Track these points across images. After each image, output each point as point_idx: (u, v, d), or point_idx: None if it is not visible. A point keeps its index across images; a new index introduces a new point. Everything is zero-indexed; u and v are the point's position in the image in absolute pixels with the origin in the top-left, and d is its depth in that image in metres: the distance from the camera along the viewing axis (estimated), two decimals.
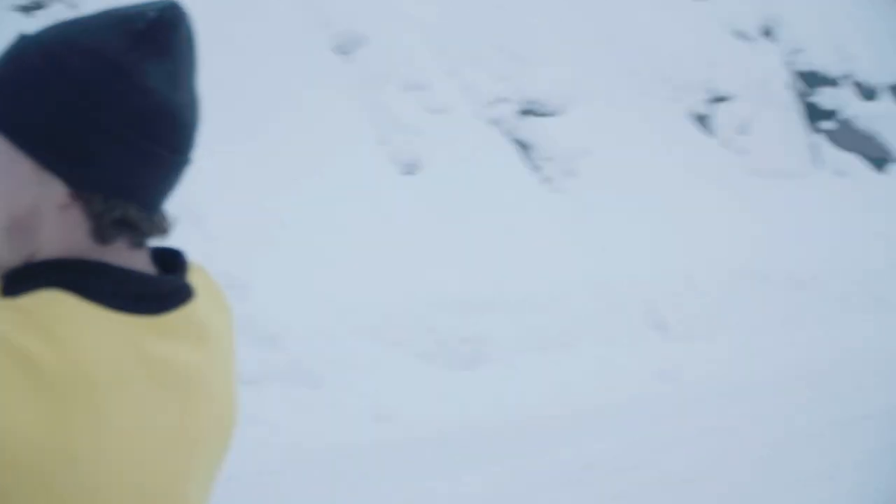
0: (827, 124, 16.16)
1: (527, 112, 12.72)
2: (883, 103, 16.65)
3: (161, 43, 1.41)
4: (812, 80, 16.36)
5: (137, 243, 1.46)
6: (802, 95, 16.15)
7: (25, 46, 1.41)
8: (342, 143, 10.81)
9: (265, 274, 9.28)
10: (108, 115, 1.38)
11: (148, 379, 1.42)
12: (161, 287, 1.47)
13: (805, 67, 16.35)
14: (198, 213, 9.28)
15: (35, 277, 1.41)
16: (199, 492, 1.54)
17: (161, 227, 1.47)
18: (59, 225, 1.42)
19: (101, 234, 1.42)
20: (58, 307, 1.37)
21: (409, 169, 11.05)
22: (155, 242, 1.52)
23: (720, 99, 14.98)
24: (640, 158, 12.85)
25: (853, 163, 15.71)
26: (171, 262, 1.53)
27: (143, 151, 1.40)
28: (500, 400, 8.69)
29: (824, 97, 16.34)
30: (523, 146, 12.38)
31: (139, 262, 1.47)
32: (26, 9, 8.31)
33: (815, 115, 16.18)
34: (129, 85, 1.39)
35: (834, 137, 16.06)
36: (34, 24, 7.84)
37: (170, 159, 1.43)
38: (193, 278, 1.56)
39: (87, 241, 1.43)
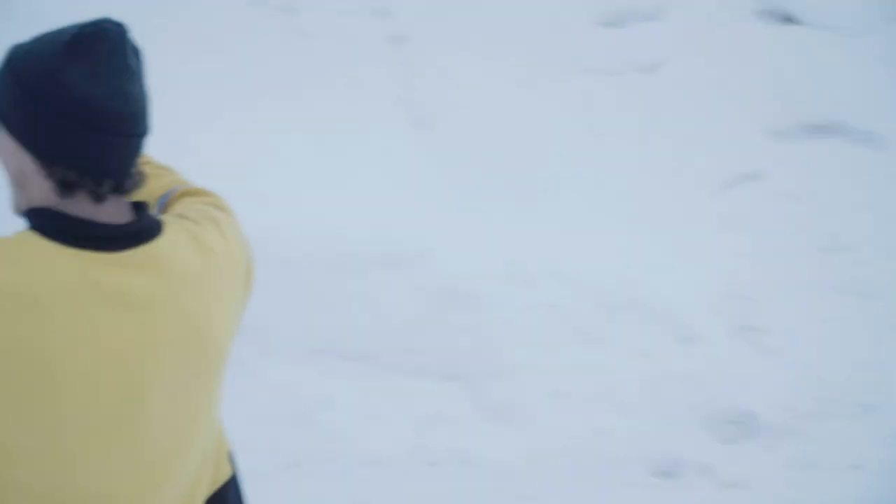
0: None
1: None
2: None
3: (82, 51, 1.94)
4: None
5: (96, 198, 1.98)
6: None
7: (7, 56, 1.99)
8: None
9: None
10: (42, 107, 1.93)
11: (101, 301, 1.94)
12: (115, 232, 1.99)
13: None
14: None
15: (26, 220, 1.98)
16: (170, 401, 2.03)
17: (120, 189, 2.00)
18: (38, 184, 1.98)
19: (59, 191, 1.97)
20: (23, 242, 1.93)
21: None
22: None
23: None
24: None
25: None
26: (143, 215, 2.05)
27: (72, 132, 1.93)
28: None
29: None
30: None
31: (105, 213, 1.99)
32: (609, 24, 8.54)
33: None
34: (56, 84, 1.92)
35: None
36: (615, 37, 8.18)
37: (95, 138, 1.95)
38: (170, 237, 2.05)
39: (54, 196, 1.98)
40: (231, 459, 2.38)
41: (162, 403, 2.02)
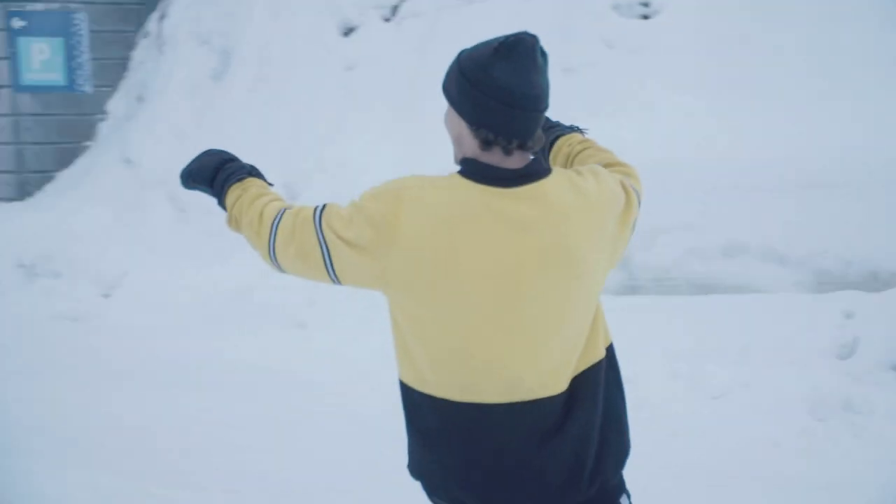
0: None
1: None
2: None
3: (505, 52, 2.88)
4: None
5: (506, 152, 2.92)
6: None
7: (456, 57, 2.98)
8: None
9: None
10: (475, 90, 2.89)
11: (496, 220, 2.88)
12: (512, 174, 2.92)
13: None
14: None
15: (460, 166, 2.95)
16: (541, 296, 2.91)
17: (523, 147, 2.92)
18: (469, 142, 2.94)
19: (481, 147, 2.92)
20: (451, 179, 2.92)
21: None
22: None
23: None
24: None
25: None
26: (537, 164, 2.96)
27: (493, 107, 2.88)
28: None
29: None
30: None
31: (509, 162, 2.92)
32: None
33: None
34: (486, 75, 2.88)
35: None
36: None
37: (509, 112, 2.88)
38: (555, 179, 2.94)
39: (477, 150, 2.94)
40: (609, 348, 3.12)
41: (535, 296, 2.92)
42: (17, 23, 13.87)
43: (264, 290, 9.85)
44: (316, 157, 10.64)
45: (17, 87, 13.93)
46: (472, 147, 2.93)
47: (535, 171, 2.93)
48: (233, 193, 3.21)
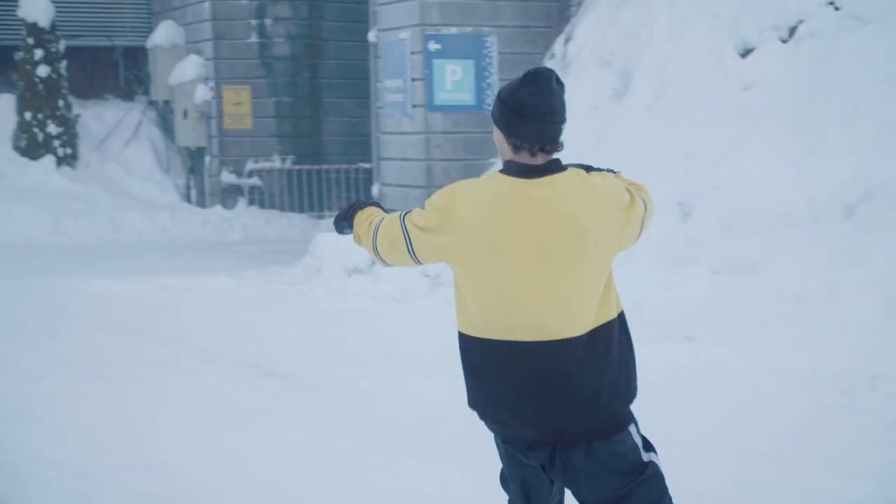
0: None
1: None
2: None
3: (528, 81, 3.96)
4: None
5: (532, 154, 3.94)
6: None
7: (499, 90, 4.03)
8: None
9: None
10: (507, 109, 3.96)
11: (521, 199, 3.93)
12: (535, 169, 3.95)
13: None
14: None
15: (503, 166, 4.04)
16: (558, 259, 3.93)
17: (545, 150, 3.93)
18: (505, 148, 4.00)
19: (513, 151, 3.97)
20: (494, 174, 4.03)
21: None
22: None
23: None
24: None
25: None
26: (555, 162, 3.97)
27: (520, 122, 3.93)
28: None
29: None
30: None
31: (534, 161, 3.95)
32: None
33: None
34: (515, 98, 3.95)
35: None
36: None
37: (531, 124, 3.92)
38: (569, 174, 3.96)
39: (511, 153, 3.99)
40: (619, 310, 4.07)
41: (552, 258, 3.96)
42: (433, 46, 14.68)
43: (656, 303, 10.07)
44: (710, 175, 10.75)
45: (431, 106, 14.74)
46: (507, 152, 4.03)
47: (553, 167, 3.99)
48: (356, 218, 4.40)
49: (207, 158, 20.39)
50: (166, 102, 21.43)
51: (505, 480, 4.32)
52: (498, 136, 4.02)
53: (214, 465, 6.83)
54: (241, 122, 19.90)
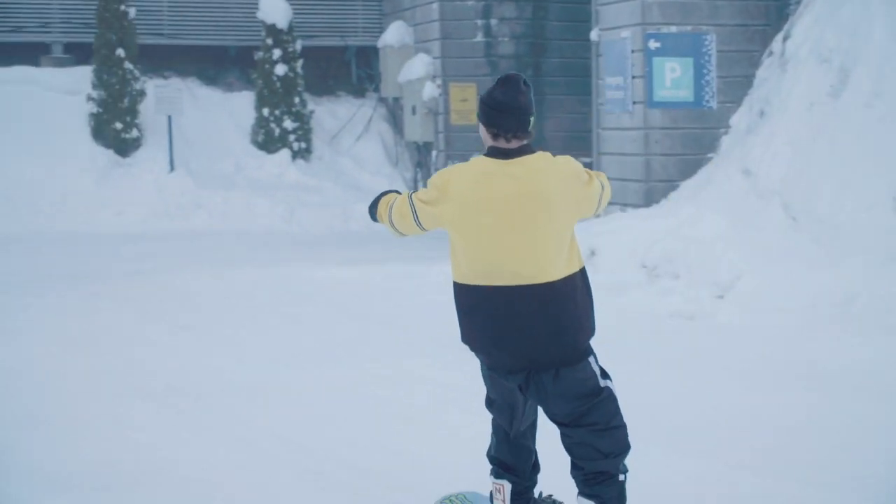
0: None
1: None
2: None
3: (501, 82, 5.18)
4: None
5: (507, 140, 5.14)
6: None
7: (482, 94, 5.31)
8: None
9: None
10: (485, 106, 5.16)
11: (502, 175, 5.11)
12: (511, 152, 5.14)
13: None
14: None
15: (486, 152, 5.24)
16: (528, 221, 5.08)
17: (517, 137, 5.14)
18: (486, 137, 5.20)
19: (492, 138, 5.17)
20: (480, 158, 5.21)
21: None
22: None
23: None
24: None
25: None
26: (527, 147, 5.18)
27: (495, 115, 5.13)
28: None
29: None
30: None
31: (510, 145, 5.14)
32: None
33: None
34: (491, 96, 5.16)
35: None
36: None
37: (503, 116, 5.11)
38: (538, 156, 5.15)
39: (491, 140, 5.18)
40: (581, 266, 5.23)
41: (522, 221, 5.07)
42: (653, 44, 15.03)
43: (869, 298, 10.21)
44: None
45: (650, 103, 15.10)
46: (489, 139, 5.18)
47: (525, 150, 5.16)
48: (379, 204, 5.54)
49: (434, 153, 21.08)
50: (396, 99, 22.23)
51: (489, 402, 5.47)
52: (481, 129, 5.20)
53: (443, 447, 7.08)
54: (467, 117, 20.51)
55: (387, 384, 8.70)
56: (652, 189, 15.10)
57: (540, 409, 5.41)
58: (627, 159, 15.56)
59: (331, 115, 22.42)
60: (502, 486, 5.49)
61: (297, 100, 21.21)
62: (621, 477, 5.23)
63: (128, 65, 20.46)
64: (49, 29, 22.06)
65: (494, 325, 5.16)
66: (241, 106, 21.85)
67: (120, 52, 20.39)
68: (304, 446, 7.18)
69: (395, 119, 22.64)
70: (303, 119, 21.27)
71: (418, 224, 5.29)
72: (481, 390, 5.49)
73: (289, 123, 21.12)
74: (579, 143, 19.91)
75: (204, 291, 13.03)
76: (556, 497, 5.70)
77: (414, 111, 21.05)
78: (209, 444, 7.22)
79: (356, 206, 19.31)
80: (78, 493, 6.34)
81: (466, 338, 5.30)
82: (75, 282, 13.42)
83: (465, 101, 20.42)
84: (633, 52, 15.28)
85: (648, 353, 9.66)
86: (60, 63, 21.76)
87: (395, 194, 5.51)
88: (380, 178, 21.44)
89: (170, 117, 20.25)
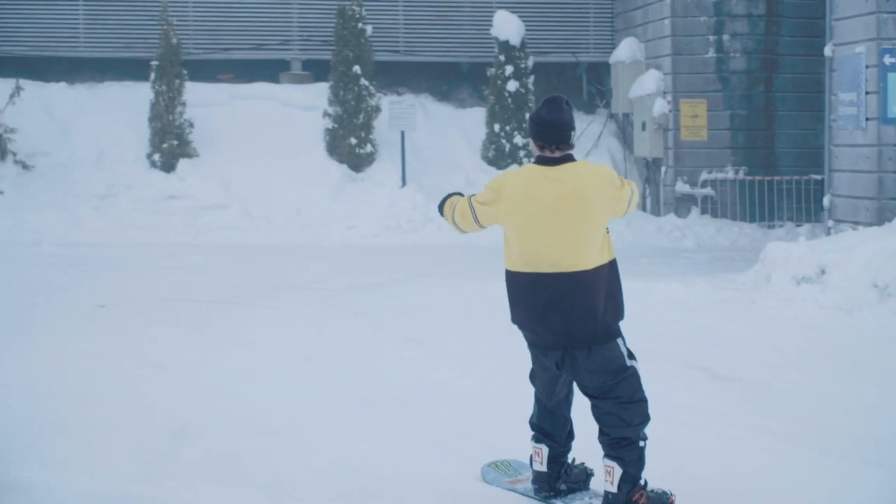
0: None
1: None
2: None
3: (546, 103, 6.23)
4: None
5: (551, 151, 6.16)
6: None
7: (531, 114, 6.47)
8: None
9: None
10: (533, 123, 6.24)
11: (544, 179, 6.14)
12: (554, 160, 6.17)
13: None
14: None
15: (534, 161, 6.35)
16: (568, 216, 6.06)
17: (560, 148, 6.16)
18: (535, 148, 6.24)
19: (539, 149, 6.21)
20: (529, 165, 6.28)
21: None
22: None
23: None
24: None
25: None
26: (569, 156, 6.21)
27: (539, 131, 6.19)
28: None
29: None
30: None
31: (554, 154, 6.16)
32: None
33: None
34: (537, 115, 6.22)
35: None
36: None
37: (547, 131, 6.15)
38: (578, 163, 6.17)
39: (538, 151, 6.23)
40: (612, 258, 6.18)
41: (564, 218, 6.04)
42: (889, 59, 14.74)
43: None
44: None
45: (884, 119, 14.80)
46: (536, 150, 6.21)
47: (567, 158, 6.18)
48: (446, 204, 6.55)
49: (663, 169, 21.02)
50: (625, 115, 22.25)
51: (533, 376, 6.50)
52: (531, 142, 6.27)
53: (666, 460, 7.05)
54: (697, 133, 20.41)
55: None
56: (884, 207, 14.79)
57: (575, 386, 6.41)
58: (860, 176, 15.27)
59: None
60: (541, 449, 6.48)
61: (527, 116, 21.41)
62: (641, 443, 6.15)
63: (363, 81, 20.99)
64: (289, 46, 22.82)
65: (539, 306, 6.15)
66: (472, 122, 22.18)
67: (356, 68, 20.96)
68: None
69: (624, 135, 22.66)
70: None
71: (476, 222, 6.38)
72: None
73: (519, 139, 21.36)
74: (811, 159, 19.62)
75: (433, 304, 13.26)
76: (586, 464, 6.58)
77: (644, 127, 21.04)
78: (430, 454, 7.39)
79: None
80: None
81: (516, 318, 6.33)
82: (308, 293, 13.86)
83: (696, 118, 20.33)
84: (867, 67, 15.00)
85: (882, 375, 9.54)
86: (299, 79, 22.49)
87: (458, 196, 6.54)
88: None
89: (403, 133, 20.70)
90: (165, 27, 20.76)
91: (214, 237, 19.14)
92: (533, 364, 6.47)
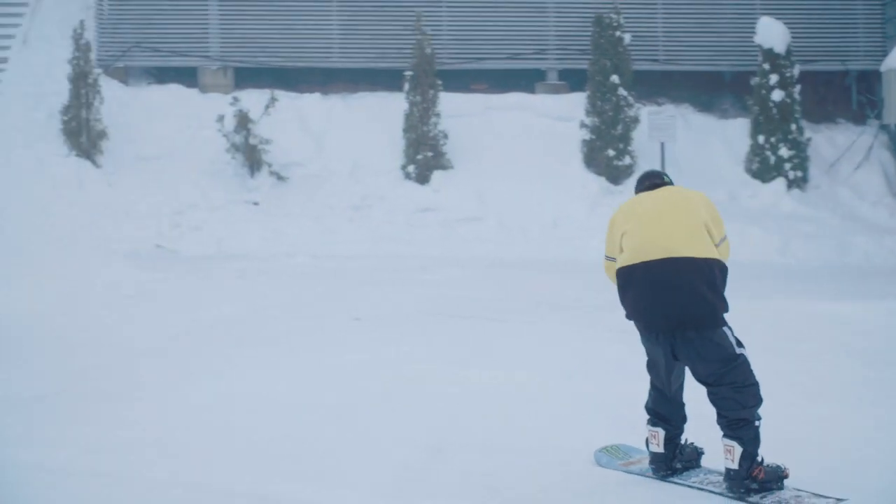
0: None
1: None
2: None
3: (646, 175, 7.52)
4: None
5: (650, 187, 7.33)
6: None
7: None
8: None
9: None
10: (637, 182, 7.58)
11: (647, 196, 7.23)
12: (652, 187, 7.32)
13: None
14: None
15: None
16: (671, 216, 6.98)
17: (655, 184, 7.34)
18: (639, 190, 7.54)
19: (638, 190, 7.48)
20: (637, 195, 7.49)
21: None
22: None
23: None
24: None
25: None
26: (667, 182, 7.44)
27: (637, 184, 7.53)
28: None
29: None
30: None
31: (653, 186, 7.38)
32: None
33: None
34: (638, 180, 7.57)
35: None
36: None
37: (640, 181, 7.50)
38: (668, 188, 7.27)
39: (640, 191, 7.49)
40: (725, 265, 6.95)
41: (670, 209, 7.02)
42: None
43: None
44: None
45: None
46: (638, 190, 7.36)
47: (667, 184, 7.27)
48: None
49: None
50: None
51: (650, 366, 7.16)
52: (634, 192, 7.44)
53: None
54: None
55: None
56: None
57: (688, 375, 7.08)
58: None
59: (828, 142, 21.64)
60: (657, 432, 7.19)
61: (793, 127, 20.61)
62: (756, 423, 6.77)
63: (622, 91, 20.52)
64: (545, 56, 22.48)
65: (649, 291, 6.87)
66: (735, 133, 21.52)
67: (614, 78, 20.49)
68: None
69: None
70: (799, 147, 20.63)
71: (609, 259, 7.26)
72: None
73: (784, 151, 20.55)
74: None
75: None
76: (696, 444, 7.29)
77: None
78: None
79: (854, 239, 18.56)
80: None
81: (629, 312, 7.07)
82: (565, 310, 13.50)
83: None
84: None
85: None
86: (555, 90, 22.14)
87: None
88: (880, 208, 20.49)
89: (662, 144, 20.10)
90: (419, 37, 20.71)
91: (468, 250, 18.93)
92: (647, 353, 7.14)
